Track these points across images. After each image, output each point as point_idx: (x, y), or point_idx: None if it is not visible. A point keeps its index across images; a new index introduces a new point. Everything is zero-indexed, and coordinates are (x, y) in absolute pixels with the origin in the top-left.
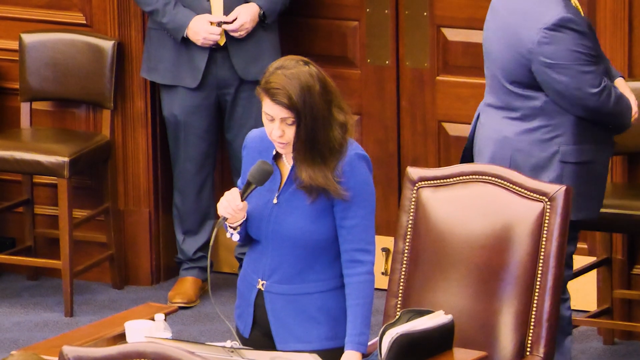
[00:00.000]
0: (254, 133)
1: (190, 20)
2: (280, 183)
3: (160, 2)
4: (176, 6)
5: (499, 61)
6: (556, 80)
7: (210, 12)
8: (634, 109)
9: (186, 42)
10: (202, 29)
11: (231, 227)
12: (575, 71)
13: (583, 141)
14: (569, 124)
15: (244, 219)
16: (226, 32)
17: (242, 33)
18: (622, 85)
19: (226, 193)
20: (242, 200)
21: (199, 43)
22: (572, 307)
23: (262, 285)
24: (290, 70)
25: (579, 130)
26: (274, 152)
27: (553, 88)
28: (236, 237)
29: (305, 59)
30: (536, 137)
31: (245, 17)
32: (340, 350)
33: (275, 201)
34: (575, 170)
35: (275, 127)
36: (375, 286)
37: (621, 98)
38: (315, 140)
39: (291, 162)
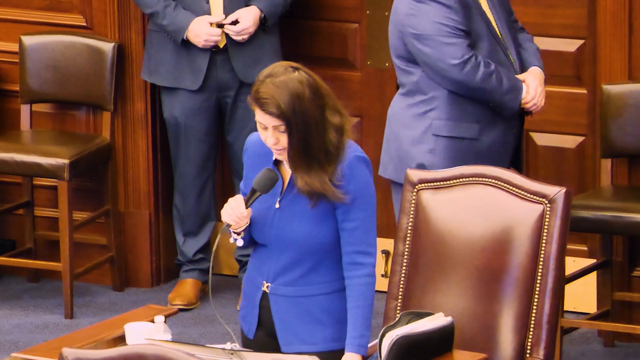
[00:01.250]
0: (254, 137)
1: (190, 22)
2: (282, 188)
3: (160, 4)
4: (176, 8)
5: (390, 37)
6: (421, 51)
7: (209, 14)
8: (531, 94)
9: (187, 44)
10: (203, 32)
11: (235, 233)
12: (437, 42)
13: (458, 117)
14: (442, 99)
15: (248, 224)
16: (226, 34)
17: (245, 37)
18: (534, 74)
19: (230, 200)
20: (246, 208)
21: (200, 45)
22: (573, 309)
23: (267, 287)
24: (279, 78)
25: (453, 105)
26: (274, 157)
27: (420, 59)
28: (240, 242)
29: (294, 64)
30: (415, 112)
31: (248, 21)
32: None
33: (277, 206)
34: (448, 144)
35: (269, 135)
36: (375, 288)
37: (496, 76)
38: (309, 145)
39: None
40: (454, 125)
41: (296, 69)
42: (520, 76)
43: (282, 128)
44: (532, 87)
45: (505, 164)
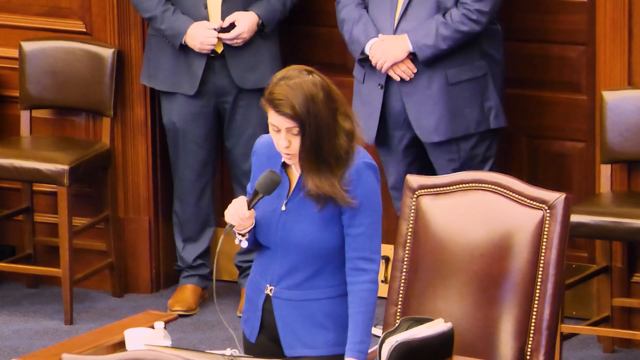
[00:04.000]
0: (263, 139)
1: (189, 27)
2: (289, 190)
3: (159, 8)
4: (175, 13)
5: None
6: None
7: (208, 19)
8: (372, 52)
9: (185, 49)
10: (200, 34)
11: (240, 234)
12: None
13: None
14: None
15: (252, 226)
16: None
17: (239, 42)
18: (392, 37)
19: (234, 201)
20: (248, 209)
21: (196, 49)
22: (572, 315)
23: (270, 290)
24: (294, 80)
25: None
26: (283, 160)
27: None
28: (245, 244)
29: (309, 68)
30: None
31: (243, 26)
32: None
33: (283, 208)
34: (355, 83)
35: (282, 138)
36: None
37: (347, 25)
38: (320, 148)
39: (299, 170)
40: (356, 65)
41: (310, 72)
42: (384, 36)
43: (296, 130)
44: (375, 47)
45: (373, 122)
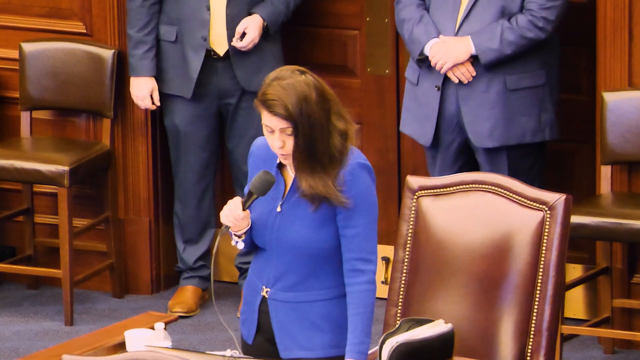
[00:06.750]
0: (260, 141)
1: (139, 75)
2: (284, 191)
3: (138, 35)
4: (149, 52)
5: None
6: None
7: (209, 23)
8: (431, 52)
9: (183, 52)
10: (140, 93)
11: (236, 235)
12: None
13: (411, 61)
14: None
15: (249, 227)
16: (229, 42)
17: (250, 46)
18: (454, 38)
19: (229, 202)
20: (243, 210)
21: (135, 99)
22: (573, 316)
23: (266, 292)
24: (286, 81)
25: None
26: (278, 161)
27: None
28: (241, 245)
29: (301, 68)
30: None
31: (254, 31)
32: (343, 359)
33: (279, 209)
34: (407, 85)
35: (276, 139)
36: (376, 295)
37: (407, 25)
38: (314, 149)
39: (294, 171)
40: (409, 67)
41: (303, 72)
42: (446, 37)
43: (289, 131)
44: (436, 47)
45: (430, 124)
